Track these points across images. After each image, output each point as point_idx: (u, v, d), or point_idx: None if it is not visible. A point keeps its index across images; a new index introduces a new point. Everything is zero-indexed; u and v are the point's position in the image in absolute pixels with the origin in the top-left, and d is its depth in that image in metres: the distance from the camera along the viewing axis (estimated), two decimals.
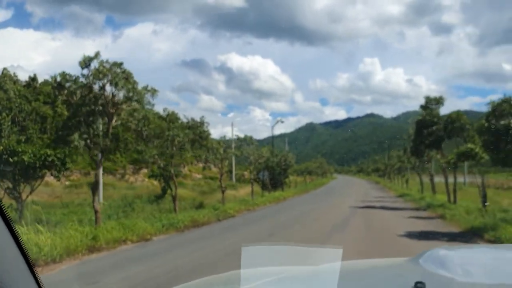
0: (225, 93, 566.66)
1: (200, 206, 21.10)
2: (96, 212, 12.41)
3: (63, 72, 11.73)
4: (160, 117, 21.67)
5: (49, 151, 12.50)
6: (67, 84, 11.91)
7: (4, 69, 40.15)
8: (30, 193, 12.73)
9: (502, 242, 10.08)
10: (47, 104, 37.78)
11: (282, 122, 55.10)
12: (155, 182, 28.07)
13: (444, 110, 21.33)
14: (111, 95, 12.00)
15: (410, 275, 1.51)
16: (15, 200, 12.24)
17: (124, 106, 12.10)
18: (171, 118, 19.21)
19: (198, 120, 19.61)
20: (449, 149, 21.28)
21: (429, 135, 19.99)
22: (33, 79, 42.91)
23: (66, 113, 14.52)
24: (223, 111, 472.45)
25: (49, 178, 17.58)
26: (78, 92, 11.82)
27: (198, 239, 12.65)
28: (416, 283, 1.29)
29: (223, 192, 21.83)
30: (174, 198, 17.72)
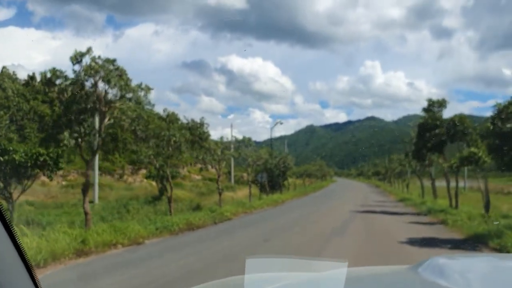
0: (226, 95, 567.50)
1: (197, 208, 20.73)
2: (86, 214, 11.99)
3: (54, 68, 11.32)
4: (160, 117, 21.46)
5: (41, 150, 12.12)
6: (58, 81, 11.50)
7: (3, 67, 39.85)
8: (21, 193, 12.37)
9: (508, 251, 9.66)
10: (45, 103, 37.44)
11: (281, 123, 54.88)
12: (154, 183, 27.70)
13: (444, 114, 20.94)
14: (103, 93, 11.58)
15: (408, 284, 1.56)
16: (5, 200, 11.84)
17: (117, 104, 11.68)
18: (171, 118, 18.96)
19: (198, 121, 19.38)
20: (451, 153, 20.88)
21: (431, 138, 19.55)
22: (32, 77, 42.57)
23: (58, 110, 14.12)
24: (223, 113, 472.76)
25: (46, 178, 17.28)
26: (69, 89, 11.39)
27: (192, 243, 12.22)
28: None
29: (220, 194, 21.44)
30: (169, 200, 17.32)
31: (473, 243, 11.75)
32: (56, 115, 12.75)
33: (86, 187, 12.34)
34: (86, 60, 11.25)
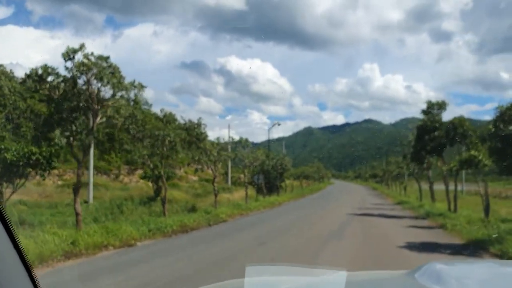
0: (224, 96, 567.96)
1: (193, 209, 20.42)
2: (77, 214, 11.69)
3: (45, 65, 11.01)
4: (157, 118, 21.22)
5: (34, 149, 11.82)
6: (50, 78, 11.19)
7: (0, 65, 39.49)
8: (13, 192, 12.07)
9: (510, 257, 9.39)
10: (43, 101, 37.08)
11: (279, 124, 54.44)
12: (150, 184, 27.39)
13: (443, 117, 20.70)
14: (96, 90, 11.27)
15: None
16: None
17: (109, 102, 11.38)
18: (168, 119, 18.70)
19: (196, 121, 19.16)
20: (449, 156, 20.66)
21: (430, 140, 19.31)
22: (29, 76, 42.19)
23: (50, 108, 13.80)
24: (222, 114, 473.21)
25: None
26: (61, 86, 11.08)
27: (184, 246, 11.92)
28: None
29: (216, 195, 21.16)
30: (163, 201, 17.02)
31: (473, 248, 11.48)
32: (47, 113, 12.42)
33: (78, 187, 12.03)
34: (79, 57, 10.96)
